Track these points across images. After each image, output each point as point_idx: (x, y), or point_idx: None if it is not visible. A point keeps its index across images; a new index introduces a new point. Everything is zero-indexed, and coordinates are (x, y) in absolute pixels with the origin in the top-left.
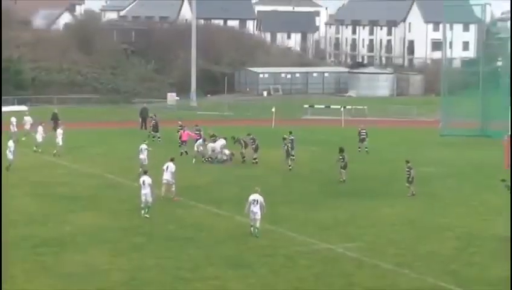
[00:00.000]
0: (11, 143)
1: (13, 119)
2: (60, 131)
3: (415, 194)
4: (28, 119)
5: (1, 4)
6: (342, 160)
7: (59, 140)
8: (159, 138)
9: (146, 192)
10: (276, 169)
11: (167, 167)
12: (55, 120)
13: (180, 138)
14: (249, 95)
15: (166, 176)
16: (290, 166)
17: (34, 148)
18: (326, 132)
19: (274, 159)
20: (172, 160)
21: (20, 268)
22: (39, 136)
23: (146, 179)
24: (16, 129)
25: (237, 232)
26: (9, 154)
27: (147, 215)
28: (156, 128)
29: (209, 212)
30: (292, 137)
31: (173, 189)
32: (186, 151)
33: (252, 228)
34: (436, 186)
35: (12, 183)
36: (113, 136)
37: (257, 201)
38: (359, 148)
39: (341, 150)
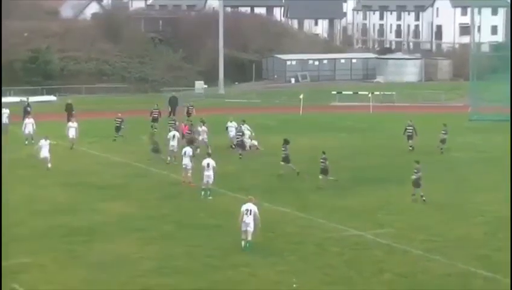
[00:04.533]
0: None
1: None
2: (74, 124)
3: (336, 179)
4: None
5: (1, 4)
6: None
7: (72, 133)
8: (155, 128)
9: (209, 174)
10: (303, 156)
11: (185, 152)
12: (69, 111)
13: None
14: (277, 83)
15: (185, 161)
16: (411, 147)
17: (26, 142)
18: (355, 118)
19: (301, 147)
20: (189, 144)
21: (50, 257)
22: (29, 128)
23: (210, 161)
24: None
25: (266, 220)
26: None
27: (210, 197)
28: (156, 120)
29: (238, 200)
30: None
31: (189, 174)
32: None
33: (243, 242)
34: (466, 172)
35: (42, 173)
36: (142, 125)
37: (250, 211)
38: (410, 146)
39: (286, 142)
